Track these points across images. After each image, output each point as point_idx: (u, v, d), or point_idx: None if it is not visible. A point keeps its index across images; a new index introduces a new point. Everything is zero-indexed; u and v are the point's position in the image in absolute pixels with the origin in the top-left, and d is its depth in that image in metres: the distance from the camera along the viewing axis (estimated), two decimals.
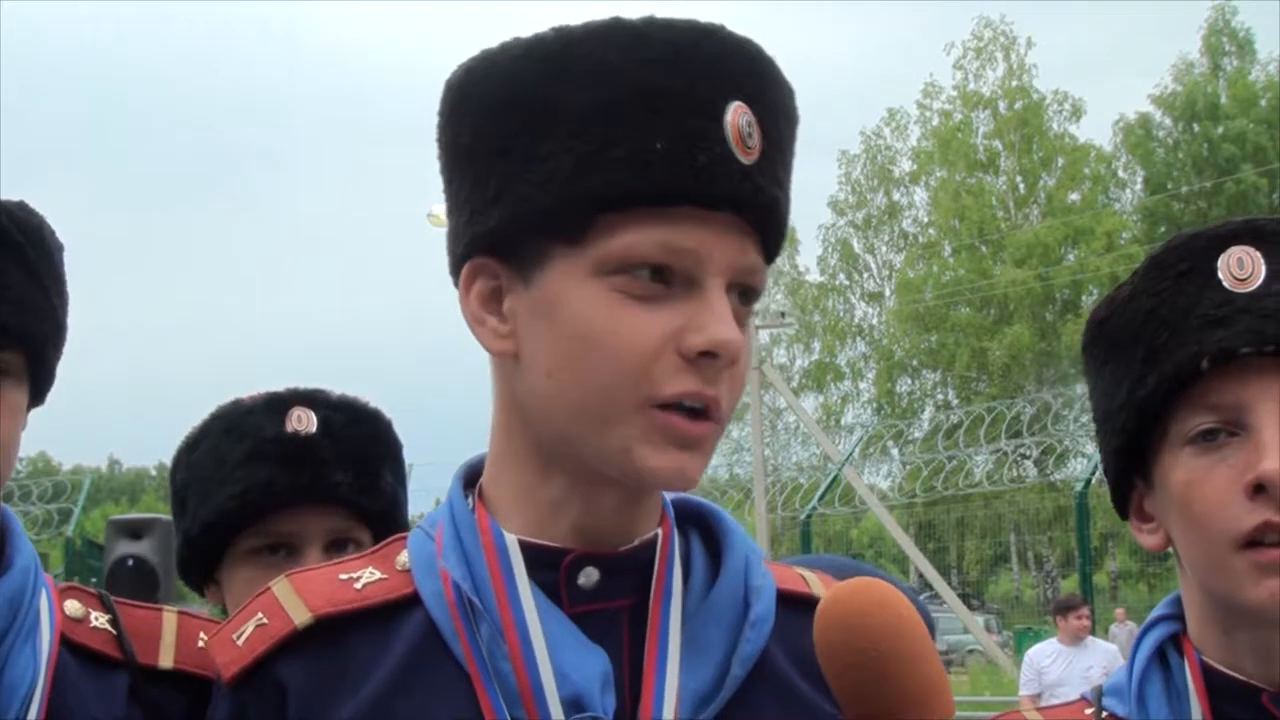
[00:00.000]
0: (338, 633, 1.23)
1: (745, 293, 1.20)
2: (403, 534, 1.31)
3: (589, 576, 1.22)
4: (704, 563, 1.28)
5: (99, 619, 1.56)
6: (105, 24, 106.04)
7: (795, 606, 1.29)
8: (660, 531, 1.26)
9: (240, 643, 1.25)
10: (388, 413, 2.11)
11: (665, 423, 1.15)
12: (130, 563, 7.79)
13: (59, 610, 1.53)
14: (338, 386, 2.09)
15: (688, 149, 1.15)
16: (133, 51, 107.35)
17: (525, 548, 1.22)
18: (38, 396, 1.56)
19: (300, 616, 1.24)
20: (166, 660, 1.55)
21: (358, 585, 1.26)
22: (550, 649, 1.18)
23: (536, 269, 1.19)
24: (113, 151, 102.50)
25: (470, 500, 1.27)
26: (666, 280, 1.16)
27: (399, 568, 1.27)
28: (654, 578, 1.23)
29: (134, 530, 7.97)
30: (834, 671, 1.10)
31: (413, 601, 1.24)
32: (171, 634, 1.57)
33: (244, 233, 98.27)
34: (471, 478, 1.31)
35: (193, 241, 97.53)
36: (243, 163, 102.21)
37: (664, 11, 1.20)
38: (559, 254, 1.17)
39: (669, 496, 1.30)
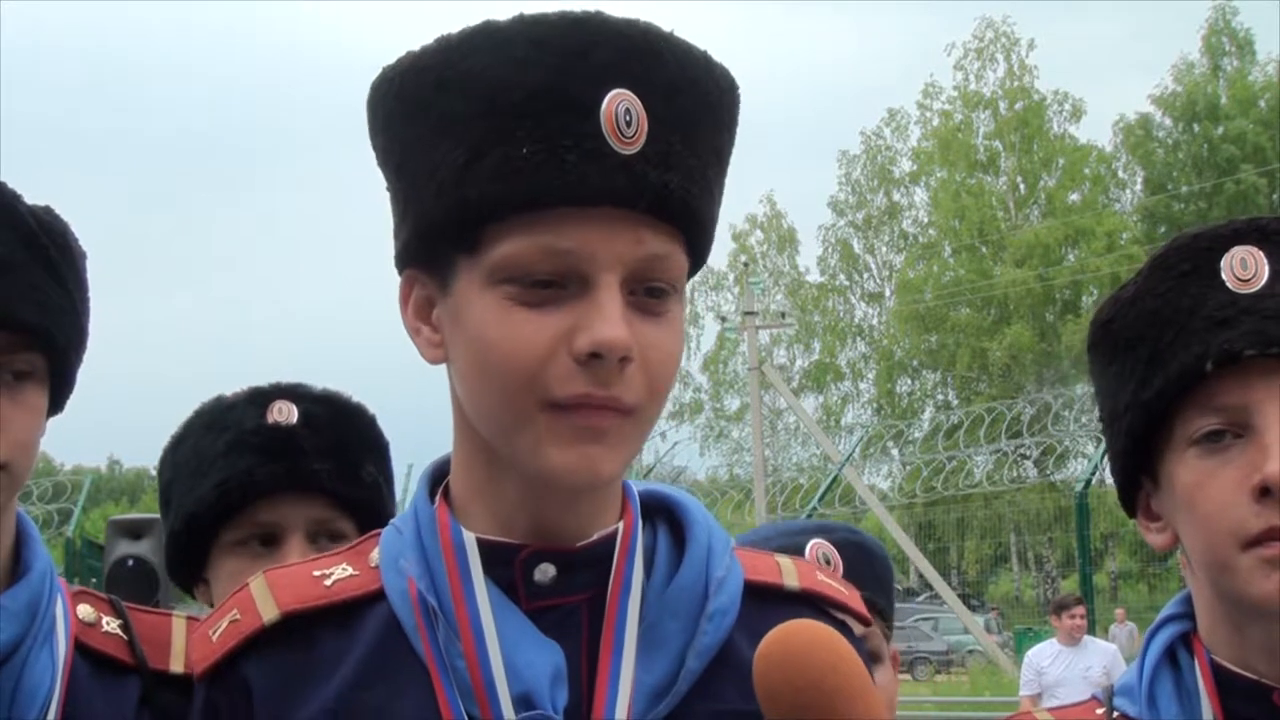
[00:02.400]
0: (305, 629, 1.25)
1: (657, 287, 1.18)
2: (378, 530, 1.32)
3: (545, 572, 1.23)
4: (668, 555, 1.28)
5: (110, 624, 1.58)
6: (90, 23, 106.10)
7: (763, 597, 1.29)
8: (621, 525, 1.26)
9: (214, 638, 1.27)
10: (388, 413, 2.11)
11: (566, 420, 1.15)
12: (130, 563, 7.78)
13: (73, 614, 1.54)
14: (337, 386, 2.09)
15: (555, 150, 1.13)
16: (120, 50, 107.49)
17: (483, 545, 1.23)
18: (57, 403, 1.57)
19: (269, 614, 1.25)
20: (177, 665, 1.57)
21: (328, 582, 1.27)
22: (503, 646, 1.19)
23: (450, 279, 1.20)
24: (110, 151, 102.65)
25: (435, 499, 1.28)
26: (558, 282, 1.15)
27: (371, 564, 1.28)
28: (612, 572, 1.23)
29: (134, 530, 7.97)
30: (776, 713, 1.08)
31: (379, 598, 1.25)
32: (181, 639, 1.59)
33: (246, 232, 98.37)
34: (439, 476, 1.32)
35: (194, 241, 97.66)
36: (244, 162, 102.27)
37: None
38: (462, 264, 1.18)
39: (636, 488, 1.30)
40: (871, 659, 1.93)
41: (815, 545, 1.97)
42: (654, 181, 1.15)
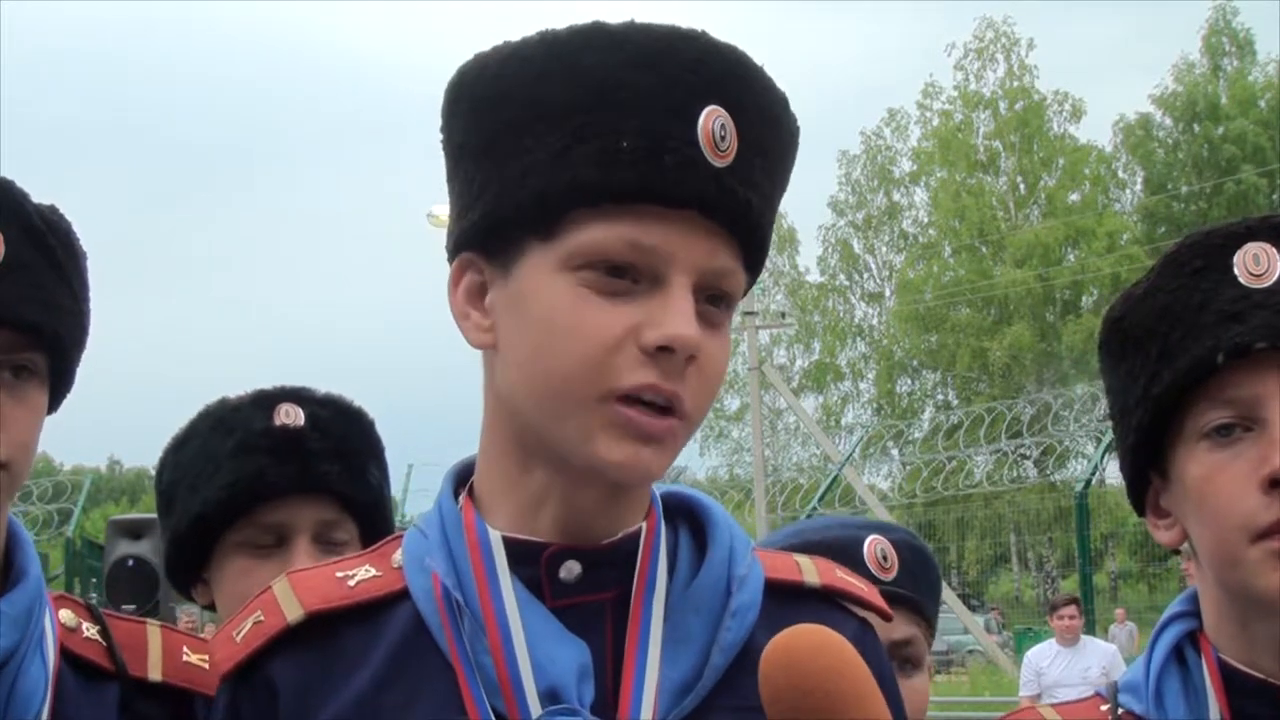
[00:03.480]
0: (330, 629, 1.26)
1: (717, 297, 1.21)
2: (400, 533, 1.34)
3: (570, 570, 1.24)
4: (690, 555, 1.29)
5: (90, 630, 1.58)
6: (90, 23, 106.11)
7: (785, 595, 1.30)
8: (645, 525, 1.27)
9: (238, 639, 1.28)
10: (389, 413, 2.12)
11: (626, 416, 1.17)
12: (130, 563, 7.81)
13: (57, 620, 1.54)
14: (335, 389, 2.12)
15: (655, 148, 1.17)
16: (122, 52, 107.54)
17: (508, 543, 1.24)
18: (54, 402, 1.57)
19: (293, 613, 1.26)
20: (155, 673, 1.58)
21: (351, 583, 1.28)
22: (529, 642, 1.20)
23: (514, 262, 1.22)
24: (109, 153, 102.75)
25: (460, 499, 1.30)
26: (633, 276, 1.18)
27: (394, 565, 1.30)
28: (636, 570, 1.24)
29: (134, 530, 7.99)
30: (779, 715, 1.08)
31: (403, 597, 1.27)
32: (158, 648, 1.60)
33: (246, 232, 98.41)
34: (464, 477, 1.33)
35: (194, 241, 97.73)
36: (243, 163, 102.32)
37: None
38: (533, 248, 1.20)
39: (658, 490, 1.32)
40: (913, 665, 1.94)
41: (874, 540, 1.97)
42: (740, 197, 1.20)
